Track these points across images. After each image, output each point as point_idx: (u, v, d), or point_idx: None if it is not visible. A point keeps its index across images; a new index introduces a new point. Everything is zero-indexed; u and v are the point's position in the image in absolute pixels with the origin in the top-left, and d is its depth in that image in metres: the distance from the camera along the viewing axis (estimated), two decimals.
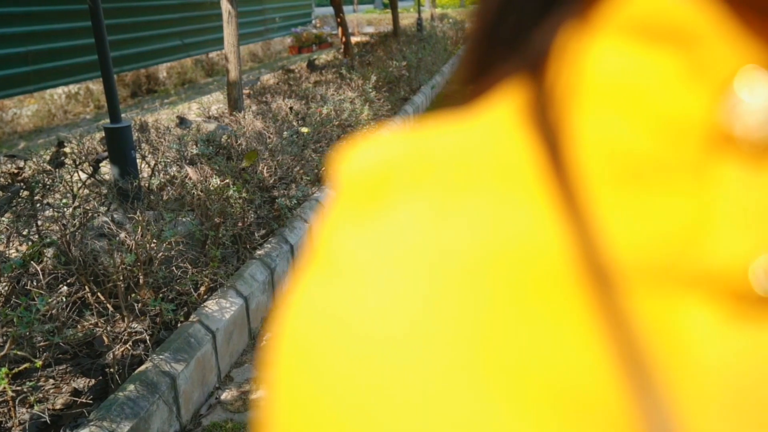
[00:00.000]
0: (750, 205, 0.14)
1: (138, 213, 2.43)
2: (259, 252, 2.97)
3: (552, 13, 0.20)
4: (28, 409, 1.86)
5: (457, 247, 0.16)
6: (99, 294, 2.24)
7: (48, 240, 2.32)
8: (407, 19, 15.69)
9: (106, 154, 3.16)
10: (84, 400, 1.91)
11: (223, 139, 3.72)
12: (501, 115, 0.19)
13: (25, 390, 1.84)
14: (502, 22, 0.21)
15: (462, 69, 0.22)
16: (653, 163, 0.16)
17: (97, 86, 7.56)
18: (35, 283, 2.10)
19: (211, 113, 5.37)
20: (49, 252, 2.34)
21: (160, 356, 2.12)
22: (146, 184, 3.14)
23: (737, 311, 0.14)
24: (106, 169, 3.28)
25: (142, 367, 2.06)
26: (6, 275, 2.08)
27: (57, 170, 2.91)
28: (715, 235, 0.14)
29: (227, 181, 2.90)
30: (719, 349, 0.14)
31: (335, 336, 0.16)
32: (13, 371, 1.83)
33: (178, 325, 2.35)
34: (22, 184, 2.55)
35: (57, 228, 2.38)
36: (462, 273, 0.16)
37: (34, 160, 3.01)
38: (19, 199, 2.52)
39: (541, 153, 0.17)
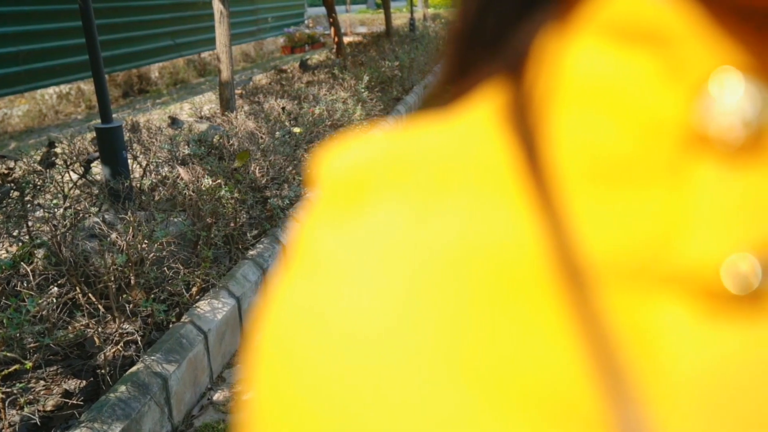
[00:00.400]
0: (724, 205, 0.14)
1: (129, 213, 2.42)
2: (251, 252, 2.96)
3: (531, 14, 0.20)
4: (18, 411, 1.85)
5: (435, 247, 0.16)
6: (90, 295, 2.23)
7: (38, 241, 2.30)
8: (400, 19, 15.69)
9: (97, 154, 3.15)
10: (75, 402, 1.90)
11: (215, 140, 3.71)
12: (480, 116, 0.19)
13: (15, 392, 1.83)
14: (481, 24, 0.21)
15: (443, 70, 0.23)
16: (629, 164, 0.16)
17: (88, 86, 7.52)
18: (25, 284, 2.09)
19: (203, 113, 5.35)
20: (40, 253, 2.33)
21: (152, 357, 2.11)
22: (138, 185, 3.13)
23: (711, 310, 0.14)
24: (98, 170, 3.27)
25: (134, 368, 2.05)
26: None
27: (48, 171, 2.90)
28: (690, 235, 0.14)
29: (219, 181, 2.89)
30: (692, 348, 0.14)
31: (315, 335, 0.16)
32: (3, 373, 1.82)
33: (170, 325, 2.34)
34: (12, 184, 2.54)
35: (48, 229, 2.36)
36: (440, 273, 0.16)
37: (25, 160, 3.00)
38: (10, 200, 2.50)
39: (518, 154, 0.17)
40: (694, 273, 0.14)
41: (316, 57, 9.53)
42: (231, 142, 3.69)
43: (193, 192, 2.81)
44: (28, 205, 2.55)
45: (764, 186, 0.14)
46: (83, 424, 1.78)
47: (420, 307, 0.15)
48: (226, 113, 4.56)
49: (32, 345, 1.93)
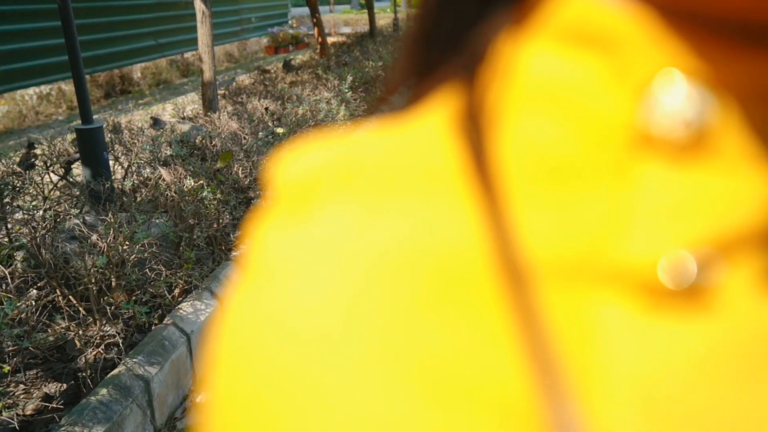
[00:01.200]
0: (664, 203, 0.15)
1: (110, 215, 2.40)
2: (234, 253, 2.95)
3: (488, 17, 0.20)
4: None
5: (382, 249, 0.16)
6: (70, 297, 2.21)
7: (17, 243, 2.28)
8: (384, 19, 15.71)
9: (77, 155, 3.12)
10: (55, 406, 1.88)
11: (197, 140, 3.69)
12: (433, 120, 0.19)
13: None
14: (439, 25, 0.21)
15: (401, 71, 0.23)
16: (575, 164, 0.16)
17: (69, 87, 7.43)
18: (4, 287, 2.06)
19: (185, 114, 5.32)
20: (19, 255, 2.30)
21: (134, 359, 2.10)
22: (119, 186, 3.10)
23: (648, 306, 0.14)
24: (79, 171, 3.24)
25: (115, 371, 2.03)
26: None
27: (27, 172, 2.87)
28: (630, 232, 0.15)
29: (201, 182, 2.88)
30: (628, 344, 0.14)
31: (268, 338, 0.16)
32: None
33: (152, 328, 2.33)
34: None
35: (27, 231, 2.34)
36: (386, 274, 0.16)
37: (4, 162, 2.96)
38: None
39: (467, 158, 0.17)
40: (632, 270, 0.14)
41: (300, 57, 9.51)
42: (214, 142, 3.67)
43: (175, 193, 2.79)
44: (7, 207, 2.52)
45: (702, 184, 0.15)
46: (63, 428, 1.76)
47: (367, 307, 0.16)
48: (209, 114, 4.54)
49: (11, 348, 1.91)
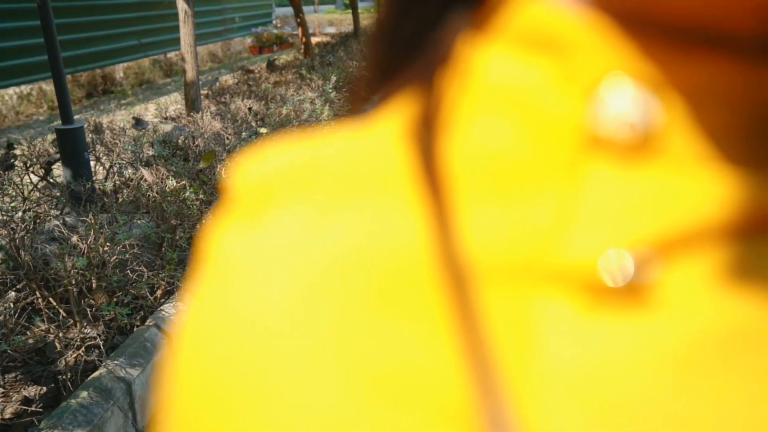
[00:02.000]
0: (609, 203, 0.15)
1: (91, 216, 2.38)
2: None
3: (448, 21, 0.20)
4: None
5: (332, 251, 0.17)
6: (50, 299, 2.18)
7: None
8: (368, 19, 15.71)
9: (58, 156, 3.09)
10: (35, 409, 1.86)
11: (180, 140, 3.67)
12: (391, 123, 0.19)
13: None
14: (400, 28, 0.21)
15: (366, 73, 0.23)
16: (524, 166, 0.16)
17: (50, 87, 7.35)
18: None
19: (168, 114, 5.29)
20: None
21: (115, 362, 2.08)
22: (100, 187, 3.08)
23: (588, 304, 0.14)
24: (60, 172, 3.21)
25: (96, 373, 2.02)
26: None
27: (6, 173, 2.83)
28: (575, 232, 0.15)
29: (184, 182, 2.86)
30: (565, 342, 0.14)
31: (224, 334, 0.17)
32: None
33: (134, 329, 2.31)
34: None
35: (6, 232, 2.31)
36: (334, 275, 0.16)
37: None
38: None
39: (418, 162, 0.17)
40: (573, 269, 0.15)
41: (284, 57, 9.49)
42: (196, 143, 3.65)
43: (158, 194, 2.77)
44: None
45: (646, 185, 0.15)
46: (43, 431, 1.74)
47: (317, 308, 0.16)
48: (192, 114, 4.51)
49: None
